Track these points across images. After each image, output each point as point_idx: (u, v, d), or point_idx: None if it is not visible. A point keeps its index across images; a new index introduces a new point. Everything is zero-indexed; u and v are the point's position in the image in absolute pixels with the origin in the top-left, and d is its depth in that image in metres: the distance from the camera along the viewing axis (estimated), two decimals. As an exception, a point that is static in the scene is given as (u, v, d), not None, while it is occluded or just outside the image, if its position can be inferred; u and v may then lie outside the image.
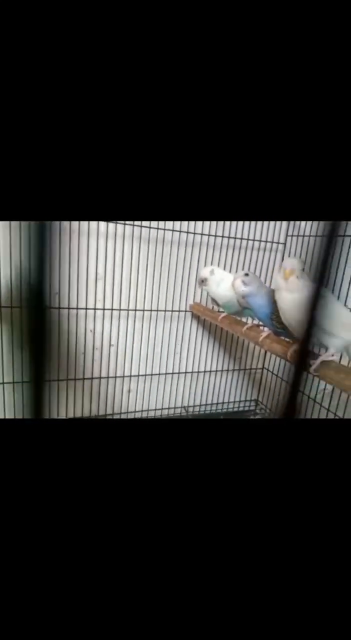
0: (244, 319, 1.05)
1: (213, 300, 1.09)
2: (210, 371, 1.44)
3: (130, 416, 1.35)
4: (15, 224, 1.01)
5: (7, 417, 1.16)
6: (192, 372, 1.41)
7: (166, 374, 1.37)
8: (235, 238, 1.29)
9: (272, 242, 1.34)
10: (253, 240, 1.32)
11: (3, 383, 1.13)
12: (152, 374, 1.34)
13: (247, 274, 0.84)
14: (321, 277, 0.21)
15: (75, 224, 1.07)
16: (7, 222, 1.00)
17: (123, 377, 1.30)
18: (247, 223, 1.29)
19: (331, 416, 1.14)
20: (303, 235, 1.28)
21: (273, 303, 0.82)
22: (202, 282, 1.05)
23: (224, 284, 1.00)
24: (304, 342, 0.24)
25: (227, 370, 1.47)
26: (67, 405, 1.23)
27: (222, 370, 1.46)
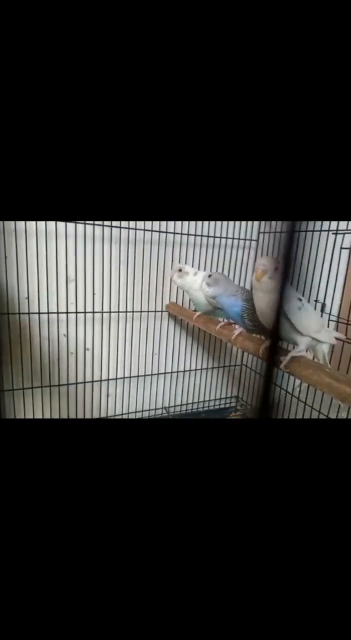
0: (221, 319, 1.05)
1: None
2: (190, 370, 1.43)
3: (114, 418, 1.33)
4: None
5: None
6: (171, 373, 1.40)
7: (145, 375, 1.35)
8: (208, 236, 1.29)
9: (245, 239, 1.35)
10: (226, 238, 1.32)
11: (-28, 394, 1.08)
12: (130, 377, 1.32)
13: (210, 275, 0.84)
14: (286, 274, 0.22)
15: (41, 225, 1.04)
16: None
17: (101, 381, 1.28)
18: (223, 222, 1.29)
19: (308, 409, 1.16)
20: (275, 232, 1.29)
21: (244, 301, 0.82)
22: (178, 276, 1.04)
23: (196, 284, 1.00)
24: (273, 340, 0.25)
25: (206, 369, 1.47)
26: (43, 413, 1.20)
27: (201, 369, 1.46)
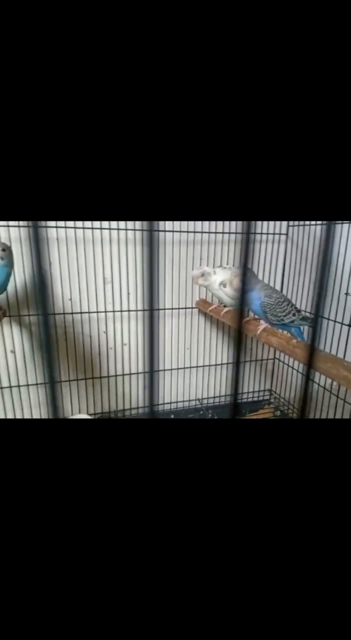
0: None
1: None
2: (222, 364, 1.48)
3: (148, 410, 1.42)
4: (25, 235, 1.10)
5: (33, 416, 1.28)
6: (203, 366, 1.45)
7: (178, 368, 1.42)
8: (236, 233, 1.31)
9: (274, 233, 1.35)
10: (255, 233, 1.33)
11: (28, 385, 1.24)
12: (164, 370, 1.40)
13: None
14: (324, 266, 0.21)
15: (79, 232, 1.15)
16: (18, 234, 1.09)
17: (138, 373, 1.37)
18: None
19: (347, 406, 1.14)
20: (304, 225, 1.28)
21: (266, 296, 0.85)
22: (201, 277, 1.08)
23: (215, 283, 1.04)
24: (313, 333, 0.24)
25: (239, 362, 1.50)
26: (87, 403, 1.33)
27: (233, 363, 1.49)
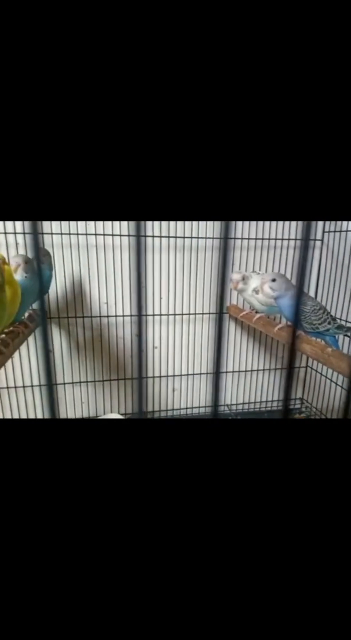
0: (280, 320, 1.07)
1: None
2: (252, 370, 1.47)
3: (176, 413, 1.45)
4: (67, 242, 1.17)
5: (67, 414, 1.34)
6: (233, 372, 1.45)
7: (208, 373, 1.43)
8: (269, 239, 1.31)
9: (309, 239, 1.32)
10: (289, 239, 1.32)
11: (64, 384, 1.31)
12: (194, 374, 1.42)
13: (274, 280, 0.87)
14: None
15: (116, 239, 1.20)
16: (60, 240, 1.17)
17: (167, 376, 1.40)
18: (281, 222, 1.30)
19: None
20: (341, 231, 1.25)
21: (301, 304, 0.84)
22: (238, 284, 1.09)
23: (249, 289, 1.04)
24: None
25: (269, 369, 1.48)
26: (118, 402, 1.38)
27: (263, 370, 1.48)
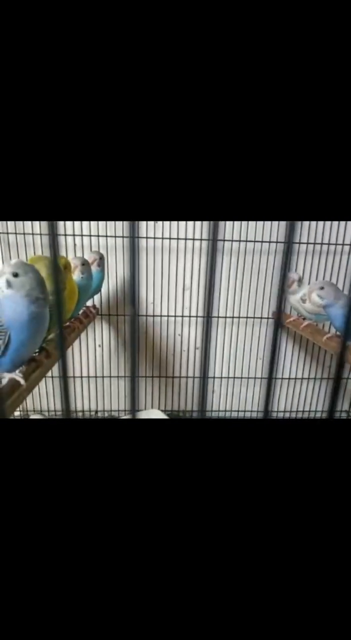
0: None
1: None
2: (296, 378, 1.42)
3: (214, 415, 1.46)
4: (120, 244, 1.24)
5: (111, 406, 1.42)
6: (275, 378, 1.42)
7: (248, 378, 1.42)
8: (314, 243, 1.25)
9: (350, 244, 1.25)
10: (336, 244, 1.25)
11: (110, 377, 1.39)
12: (234, 377, 1.42)
13: (322, 287, 0.84)
14: None
15: (166, 242, 1.24)
16: (114, 243, 1.24)
17: (207, 377, 1.41)
18: (333, 227, 1.24)
19: None
20: None
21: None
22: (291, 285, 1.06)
23: (297, 295, 1.01)
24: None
25: (314, 379, 1.42)
26: (159, 399, 1.42)
27: (308, 378, 1.42)
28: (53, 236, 0.20)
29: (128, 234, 0.19)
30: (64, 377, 0.21)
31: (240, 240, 1.25)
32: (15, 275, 0.55)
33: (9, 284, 0.55)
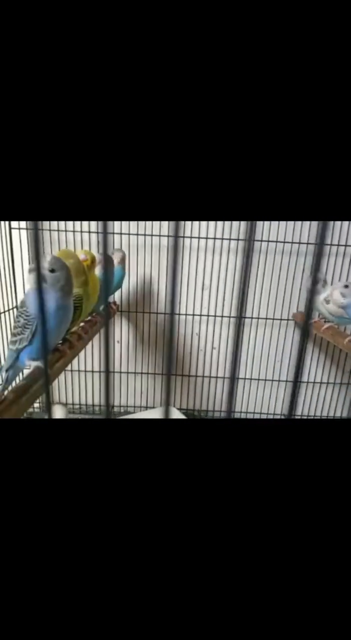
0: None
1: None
2: (314, 382, 1.40)
3: (231, 416, 1.45)
4: (142, 243, 1.26)
5: (128, 402, 1.44)
6: (294, 381, 1.40)
7: (266, 380, 1.40)
8: (338, 245, 1.23)
9: None
10: (369, 246, 1.22)
11: (127, 372, 1.41)
12: (251, 379, 1.41)
13: (346, 286, 0.83)
14: None
15: (187, 241, 1.25)
16: (135, 242, 1.26)
17: (224, 378, 1.41)
18: (361, 228, 1.21)
19: None
20: None
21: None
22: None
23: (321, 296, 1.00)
24: None
25: (333, 383, 1.39)
26: (175, 397, 1.43)
27: (327, 383, 1.39)
28: (105, 234, 0.20)
29: (173, 233, 0.20)
30: (107, 373, 0.22)
31: (269, 241, 1.24)
32: (52, 270, 0.57)
33: (44, 279, 0.57)
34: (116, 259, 1.10)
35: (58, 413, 0.49)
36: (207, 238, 1.25)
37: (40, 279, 0.29)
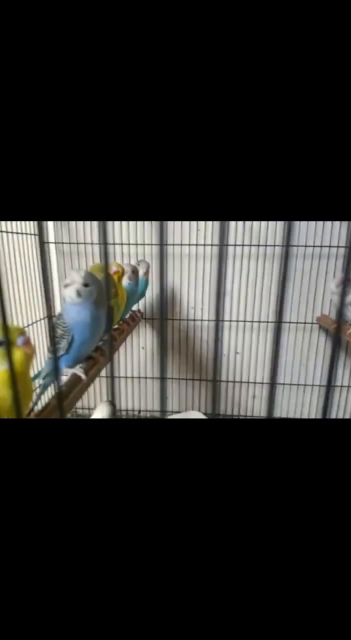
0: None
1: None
2: (341, 386, 1.37)
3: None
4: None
5: (154, 406, 1.47)
6: (319, 386, 1.38)
7: (291, 384, 1.39)
8: None
9: None
10: None
11: (153, 378, 1.44)
12: (276, 383, 1.40)
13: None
14: None
15: (207, 249, 1.28)
16: (158, 252, 1.30)
17: (248, 382, 1.41)
18: None
19: None
20: None
21: None
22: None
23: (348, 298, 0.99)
24: None
25: (348, 387, 1.36)
26: (199, 402, 1.45)
27: (348, 386, 1.36)
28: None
29: (218, 242, 0.21)
30: (162, 379, 0.24)
31: (282, 245, 1.25)
32: (86, 285, 0.62)
33: (78, 294, 0.62)
34: (141, 270, 1.14)
35: (104, 411, 0.52)
36: (227, 245, 1.27)
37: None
